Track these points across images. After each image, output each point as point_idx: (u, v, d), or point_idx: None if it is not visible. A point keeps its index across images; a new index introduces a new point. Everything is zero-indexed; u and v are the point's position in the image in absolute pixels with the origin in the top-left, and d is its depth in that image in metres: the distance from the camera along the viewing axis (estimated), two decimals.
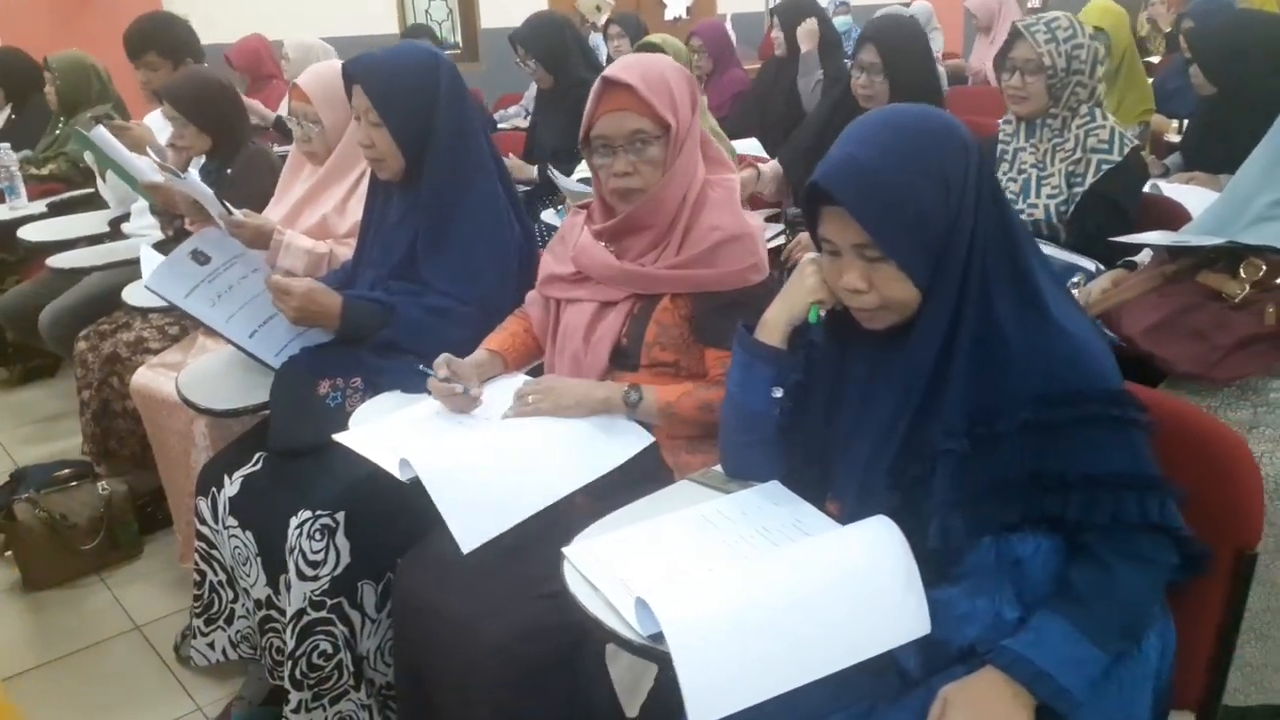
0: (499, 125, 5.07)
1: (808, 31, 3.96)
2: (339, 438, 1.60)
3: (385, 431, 1.63)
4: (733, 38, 5.85)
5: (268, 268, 2.12)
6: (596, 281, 1.70)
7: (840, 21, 6.48)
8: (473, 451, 1.51)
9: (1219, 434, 1.21)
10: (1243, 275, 1.79)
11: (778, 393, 1.33)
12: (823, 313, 1.31)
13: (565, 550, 1.26)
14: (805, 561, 1.16)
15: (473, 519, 1.39)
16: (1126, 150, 2.34)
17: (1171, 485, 1.13)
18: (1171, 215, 2.40)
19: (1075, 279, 2.13)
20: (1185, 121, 3.74)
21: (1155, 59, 6.10)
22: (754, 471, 1.40)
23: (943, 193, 1.15)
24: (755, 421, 1.35)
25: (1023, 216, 2.40)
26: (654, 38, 3.46)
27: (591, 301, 1.71)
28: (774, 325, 1.34)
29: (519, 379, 1.77)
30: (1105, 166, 2.33)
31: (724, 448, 1.42)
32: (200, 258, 2.05)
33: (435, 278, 1.93)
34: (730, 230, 1.62)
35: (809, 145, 3.03)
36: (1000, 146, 2.52)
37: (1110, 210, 2.29)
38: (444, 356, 1.70)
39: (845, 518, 1.28)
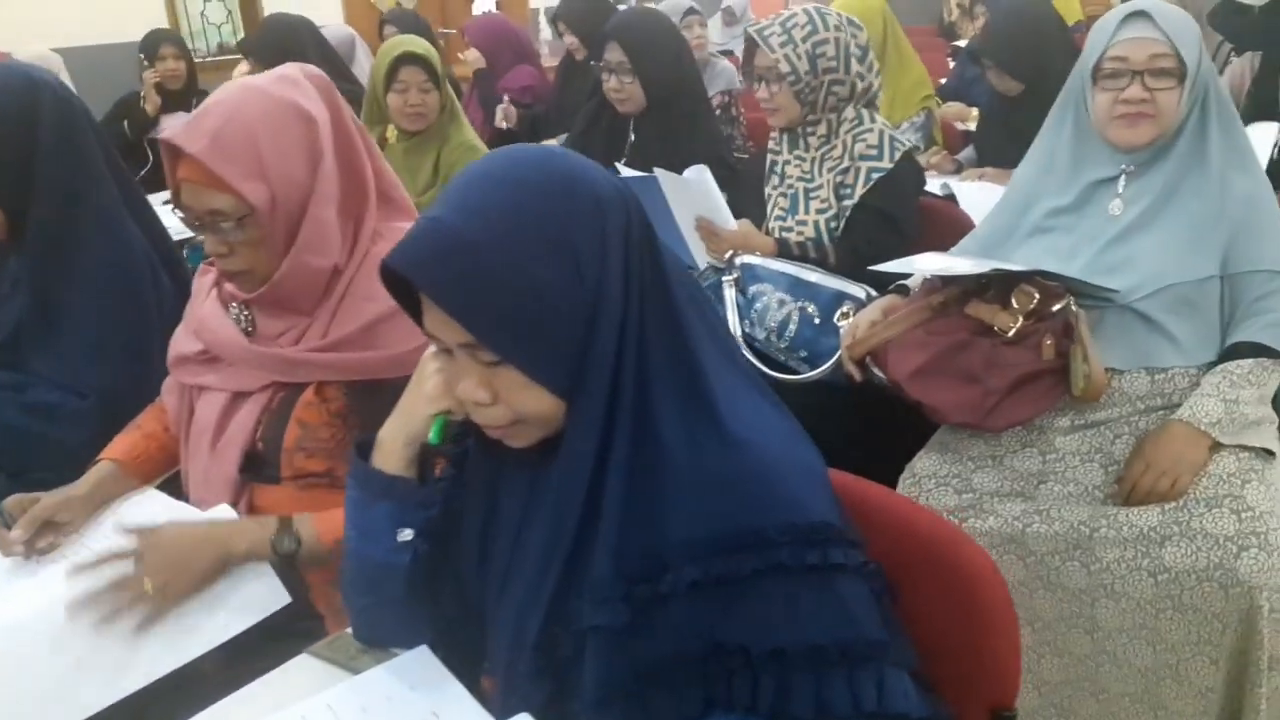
0: None
1: None
2: None
3: None
4: (544, 31, 5.48)
5: None
6: (228, 363, 1.32)
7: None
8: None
9: (972, 563, 0.93)
10: (1014, 306, 1.55)
11: (405, 535, 0.98)
12: (450, 427, 0.97)
13: None
14: None
15: None
16: (898, 155, 2.09)
17: (897, 648, 0.84)
18: (953, 222, 2.18)
19: (845, 308, 1.87)
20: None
21: (963, 42, 6.05)
22: (391, 637, 1.05)
23: (570, 269, 0.82)
24: (379, 575, 0.99)
25: (791, 236, 2.14)
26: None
27: (222, 391, 1.32)
28: (390, 447, 0.99)
29: (153, 500, 1.36)
30: (875, 175, 2.08)
31: (349, 609, 1.06)
32: None
33: (43, 366, 1.51)
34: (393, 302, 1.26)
35: None
36: (770, 159, 2.25)
37: (881, 224, 2.05)
38: (14, 498, 1.28)
39: (497, 703, 0.95)
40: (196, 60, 6.76)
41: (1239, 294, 1.63)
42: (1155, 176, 1.70)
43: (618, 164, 2.05)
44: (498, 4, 8.53)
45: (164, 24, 6.59)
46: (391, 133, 2.70)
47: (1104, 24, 1.72)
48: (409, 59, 2.55)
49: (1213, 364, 1.61)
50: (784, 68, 2.07)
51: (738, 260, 1.97)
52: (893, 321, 1.64)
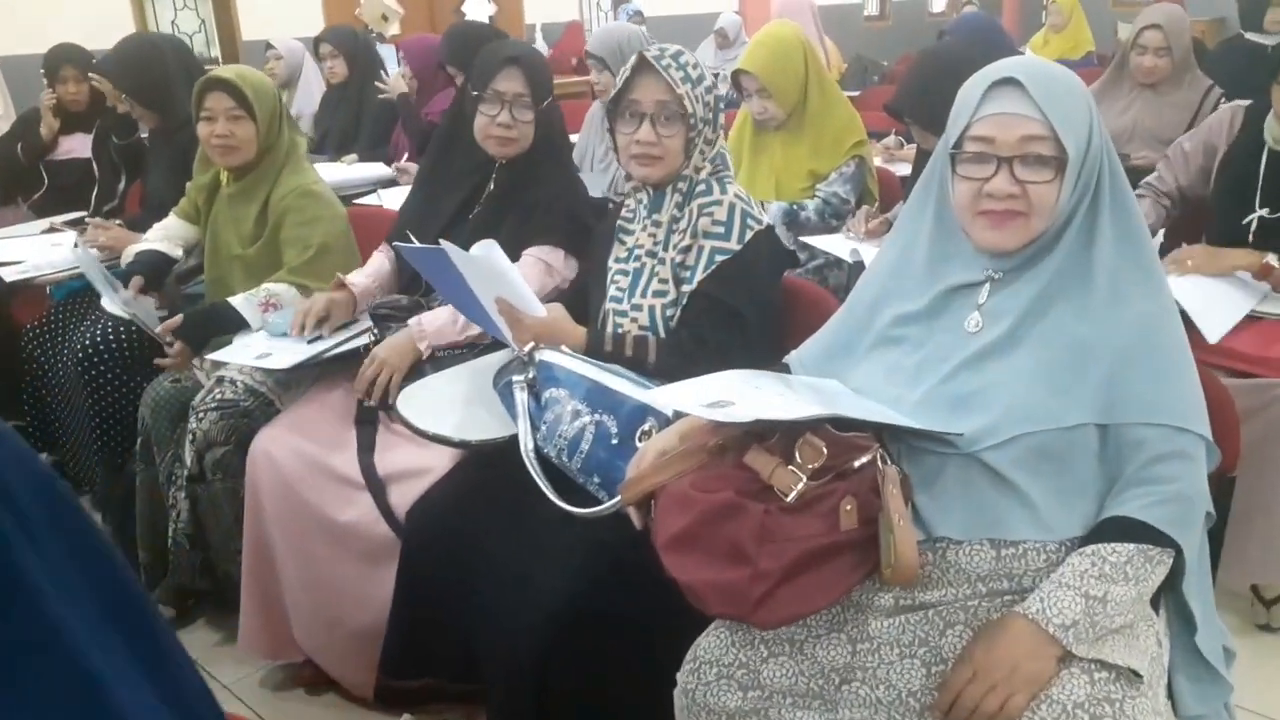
0: None
1: None
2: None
3: None
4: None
5: None
6: None
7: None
8: None
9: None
10: (799, 460, 1.18)
11: None
12: None
13: None
14: None
15: None
16: (749, 235, 1.72)
17: None
18: (821, 311, 1.81)
19: (647, 425, 1.50)
20: None
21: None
22: None
23: None
24: None
25: (625, 324, 1.78)
26: None
27: None
28: None
29: None
30: (719, 258, 1.71)
31: None
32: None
33: None
34: None
35: None
36: (619, 223, 1.89)
37: (718, 319, 1.68)
38: None
39: None
40: None
41: (1124, 453, 1.24)
42: (1025, 287, 1.32)
43: (441, 240, 1.69)
44: (492, 18, 8.26)
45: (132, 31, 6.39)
46: (225, 175, 2.38)
47: (969, 90, 1.35)
48: (214, 84, 2.23)
49: (1080, 541, 1.23)
50: (689, 106, 1.72)
51: (538, 356, 1.62)
52: (666, 462, 1.28)
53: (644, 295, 1.77)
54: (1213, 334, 2.04)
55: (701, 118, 1.74)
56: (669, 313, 1.74)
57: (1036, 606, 1.17)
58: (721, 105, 1.82)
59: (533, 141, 2.07)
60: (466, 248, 2.08)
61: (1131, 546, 1.19)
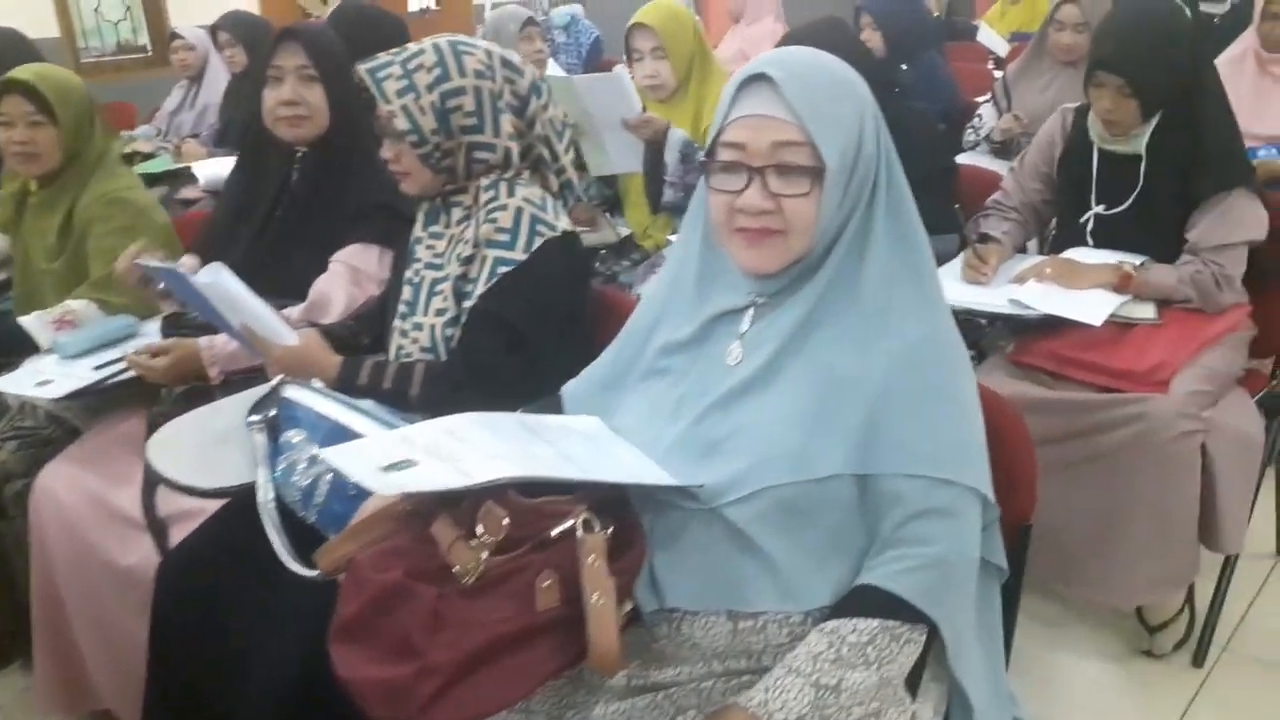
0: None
1: None
2: None
3: None
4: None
5: None
6: None
7: (559, 14, 5.65)
8: None
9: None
10: (479, 533, 1.00)
11: None
12: None
13: None
14: None
15: None
16: (537, 242, 1.54)
17: None
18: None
19: None
20: None
21: None
22: None
23: None
24: None
25: (407, 345, 1.60)
26: None
27: None
28: None
29: None
30: (501, 269, 1.53)
31: None
32: None
33: None
34: None
35: None
36: (414, 238, 1.71)
37: (498, 340, 1.50)
38: None
39: None
40: (91, 61, 6.41)
41: (881, 509, 1.07)
42: (787, 315, 1.15)
43: (181, 262, 1.51)
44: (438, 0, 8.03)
45: (52, 21, 6.19)
46: (33, 184, 2.19)
47: (726, 88, 1.16)
48: (11, 87, 2.04)
49: (827, 612, 1.06)
50: (401, 124, 1.53)
51: (283, 391, 1.44)
52: (354, 529, 1.10)
53: (425, 313, 1.59)
54: (1097, 317, 1.87)
55: (433, 129, 1.53)
56: (448, 333, 1.55)
57: (760, 697, 0.99)
58: (513, 108, 1.61)
59: (333, 124, 1.90)
60: (278, 251, 1.89)
61: (875, 623, 1.02)
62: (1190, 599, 2.01)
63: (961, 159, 3.16)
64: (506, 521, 0.98)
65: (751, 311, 1.18)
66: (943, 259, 2.24)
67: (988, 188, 2.36)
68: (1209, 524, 1.86)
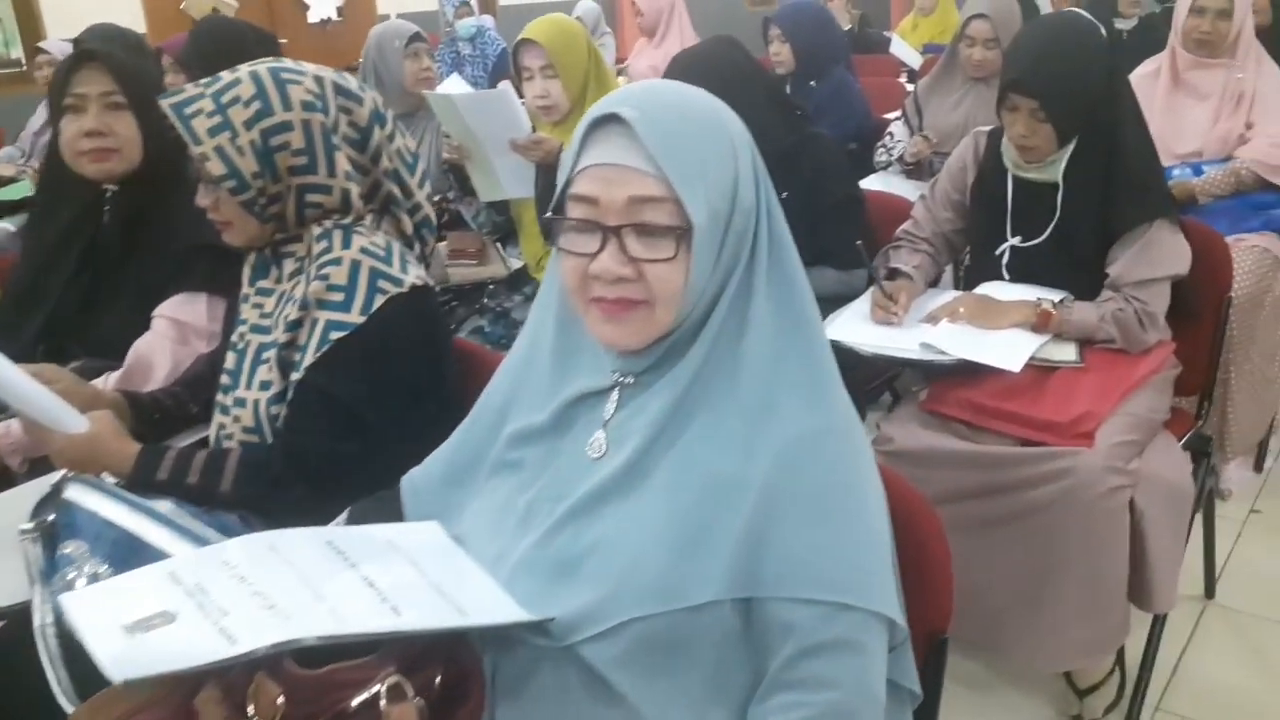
0: None
1: None
2: None
3: None
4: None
5: None
6: None
7: (465, 26, 5.41)
8: None
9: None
10: (250, 713, 0.78)
11: None
12: None
13: None
14: None
15: None
16: (377, 302, 1.31)
17: None
18: None
19: None
20: None
21: None
22: None
23: None
24: None
25: (228, 427, 1.36)
26: None
27: None
28: None
29: None
30: (335, 334, 1.30)
31: None
32: None
33: None
34: None
35: None
36: (241, 294, 1.47)
37: (327, 424, 1.27)
38: None
39: None
40: None
41: (770, 640, 0.87)
42: (656, 401, 0.95)
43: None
44: (340, 9, 7.72)
45: None
46: None
47: (577, 130, 0.95)
48: None
49: None
50: (217, 168, 1.29)
51: (65, 490, 1.19)
52: (102, 699, 0.87)
53: (248, 386, 1.35)
54: (1015, 362, 1.73)
55: (256, 174, 1.30)
56: (274, 410, 1.32)
57: None
58: (354, 143, 1.39)
59: (147, 157, 1.67)
60: (90, 307, 1.63)
61: None
62: (1121, 660, 1.87)
63: (873, 180, 3.03)
64: (281, 701, 0.76)
65: (616, 394, 0.98)
66: (853, 296, 2.08)
67: (898, 215, 2.21)
68: (1140, 583, 1.72)
